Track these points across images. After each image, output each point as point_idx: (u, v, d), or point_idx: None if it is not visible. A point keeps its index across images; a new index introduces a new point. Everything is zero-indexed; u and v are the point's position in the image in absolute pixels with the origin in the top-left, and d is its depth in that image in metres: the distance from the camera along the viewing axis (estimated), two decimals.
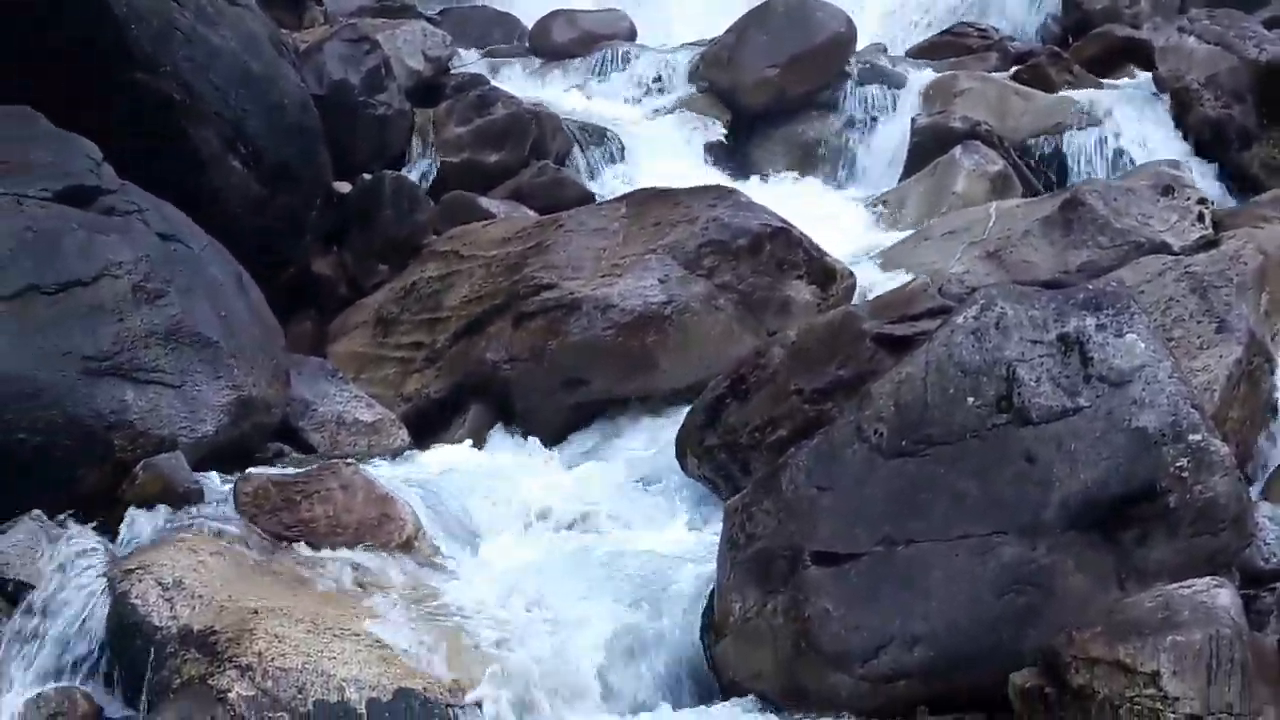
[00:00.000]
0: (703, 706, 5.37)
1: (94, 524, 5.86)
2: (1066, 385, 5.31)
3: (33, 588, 5.51)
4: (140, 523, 5.87)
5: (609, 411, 7.35)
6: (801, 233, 7.68)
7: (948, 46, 11.81)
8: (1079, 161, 9.63)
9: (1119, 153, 9.56)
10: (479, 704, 5.26)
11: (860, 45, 11.33)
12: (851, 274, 7.75)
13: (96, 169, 6.68)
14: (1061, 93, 10.26)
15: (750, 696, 5.32)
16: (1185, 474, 5.17)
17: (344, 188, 8.69)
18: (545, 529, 6.37)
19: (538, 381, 7.36)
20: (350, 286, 8.49)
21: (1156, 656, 4.71)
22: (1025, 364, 5.34)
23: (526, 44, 12.22)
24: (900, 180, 9.78)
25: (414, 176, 9.20)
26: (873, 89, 10.70)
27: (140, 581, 5.43)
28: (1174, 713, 4.67)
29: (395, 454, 7.02)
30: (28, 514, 5.70)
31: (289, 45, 8.78)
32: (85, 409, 6.04)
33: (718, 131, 10.50)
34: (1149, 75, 10.13)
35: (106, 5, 7.10)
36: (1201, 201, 7.86)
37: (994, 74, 10.69)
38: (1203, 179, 8.84)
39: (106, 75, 7.15)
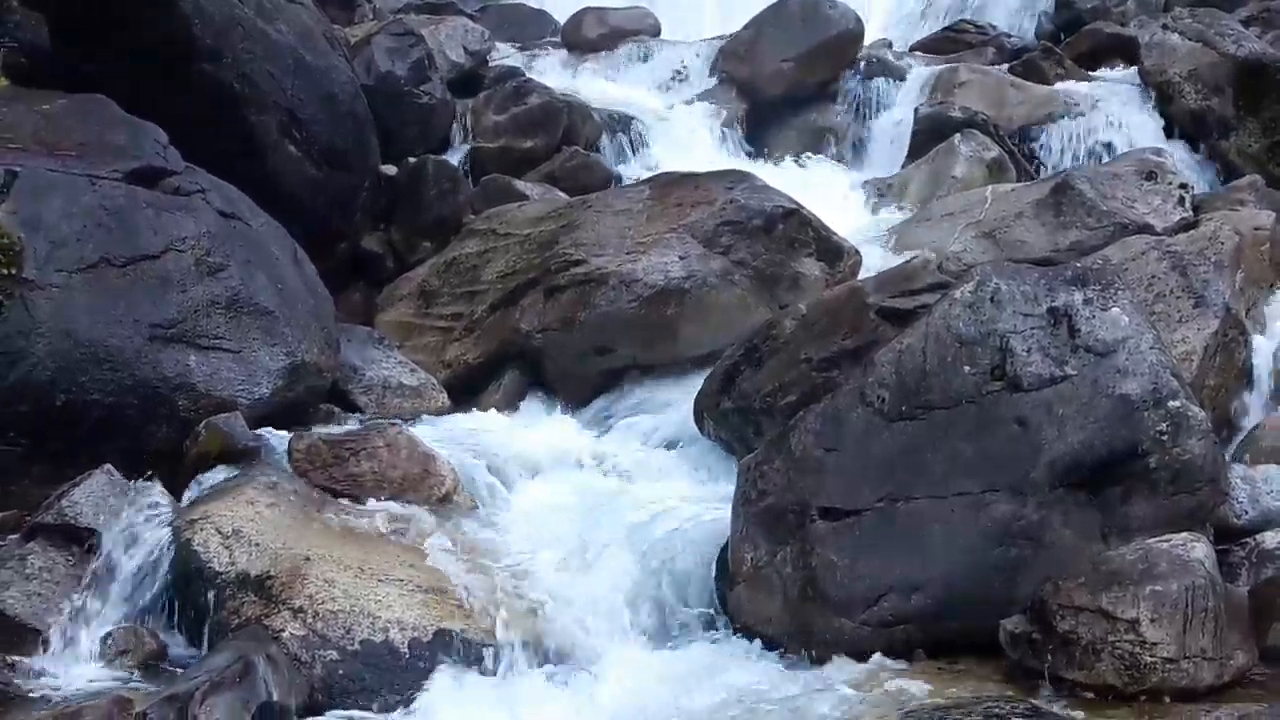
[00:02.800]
0: (716, 645, 5.38)
1: (160, 478, 5.86)
2: (1055, 355, 5.29)
3: (105, 536, 5.52)
4: (204, 478, 5.89)
5: (633, 377, 7.32)
6: (811, 213, 7.65)
7: (948, 42, 11.73)
8: (1069, 148, 9.56)
9: (1106, 140, 9.49)
10: (512, 643, 5.27)
11: (868, 41, 11.26)
12: (857, 251, 7.71)
13: (163, 152, 6.67)
14: (1054, 85, 10.19)
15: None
16: (1165, 437, 5.15)
17: (391, 170, 8.67)
18: (574, 484, 6.36)
19: (567, 349, 7.35)
20: (396, 261, 8.49)
21: (1137, 605, 4.71)
22: (1017, 335, 5.32)
23: (559, 39, 12.16)
24: (903, 165, 9.71)
25: (455, 160, 9.18)
26: (879, 81, 10.64)
27: (202, 530, 5.45)
28: (1151, 656, 4.67)
29: (436, 415, 7.03)
30: (100, 468, 5.70)
31: (340, 39, 8.76)
32: (152, 373, 6.05)
33: (735, 119, 10.45)
34: (1135, 69, 10.04)
35: (174, 2, 7.08)
36: (1182, 186, 7.81)
37: (991, 68, 10.61)
38: (1183, 165, 8.76)
39: (173, 66, 7.13)
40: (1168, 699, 4.67)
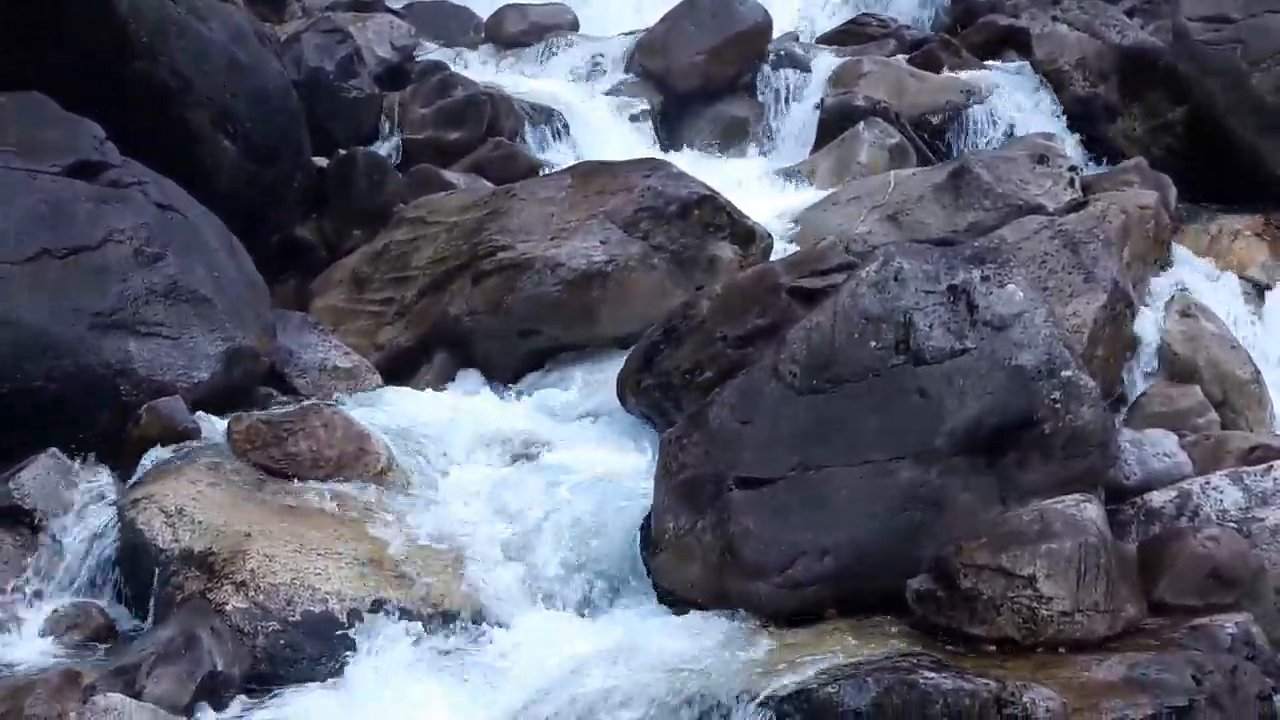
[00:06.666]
0: (642, 610, 5.40)
1: (104, 460, 5.83)
2: (955, 330, 5.34)
3: (51, 516, 5.48)
4: (146, 460, 5.84)
5: (558, 357, 7.32)
6: (725, 199, 7.67)
7: (852, 35, 11.74)
8: (966, 134, 9.64)
9: (1000, 126, 9.57)
10: (446, 613, 5.28)
11: (776, 34, 11.27)
12: (769, 235, 7.74)
13: (101, 147, 6.60)
14: (951, 74, 10.26)
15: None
16: (1058, 405, 5.21)
17: (322, 162, 8.60)
18: (503, 459, 6.36)
19: (495, 332, 7.34)
20: (329, 250, 8.41)
21: (1033, 562, 4.78)
22: (920, 311, 5.37)
23: (482, 34, 12.10)
24: (811, 153, 9.74)
25: (384, 152, 9.11)
26: (787, 72, 10.63)
27: (146, 509, 5.42)
28: (1048, 610, 4.75)
29: (370, 396, 7.00)
30: (45, 452, 5.65)
31: (271, 37, 8.68)
32: (94, 359, 6.00)
33: (651, 110, 10.44)
34: (1027, 59, 10.13)
35: (109, 3, 6.99)
36: (1072, 169, 7.91)
37: (892, 58, 10.66)
38: (1073, 149, 8.87)
39: (110, 64, 7.02)
40: (1063, 650, 4.75)
